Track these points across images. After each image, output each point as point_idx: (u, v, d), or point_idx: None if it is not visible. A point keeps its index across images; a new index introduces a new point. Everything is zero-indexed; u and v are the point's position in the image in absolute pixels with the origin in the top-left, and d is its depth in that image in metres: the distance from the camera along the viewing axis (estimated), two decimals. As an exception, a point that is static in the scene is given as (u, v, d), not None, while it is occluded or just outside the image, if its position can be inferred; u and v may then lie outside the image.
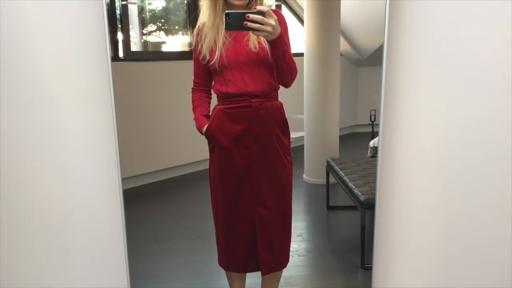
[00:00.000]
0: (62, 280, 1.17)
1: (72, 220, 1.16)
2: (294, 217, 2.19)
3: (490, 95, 1.06)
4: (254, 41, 1.84)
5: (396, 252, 1.21)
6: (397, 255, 1.21)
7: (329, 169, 3.77)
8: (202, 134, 2.00)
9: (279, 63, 1.82)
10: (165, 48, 5.27)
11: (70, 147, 1.13)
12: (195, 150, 4.84)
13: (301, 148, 4.75)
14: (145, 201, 4.23)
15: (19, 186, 1.10)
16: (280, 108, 1.98)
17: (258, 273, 2.08)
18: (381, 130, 1.25)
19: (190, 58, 2.09)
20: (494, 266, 1.14)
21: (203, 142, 2.05)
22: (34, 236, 1.13)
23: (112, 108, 1.20)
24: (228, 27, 1.65)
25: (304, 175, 4.67)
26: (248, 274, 2.18)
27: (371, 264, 1.36)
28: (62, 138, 1.12)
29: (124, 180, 4.93)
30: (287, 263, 2.08)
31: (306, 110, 4.56)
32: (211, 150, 2.00)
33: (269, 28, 1.64)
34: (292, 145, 2.08)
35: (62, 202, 1.14)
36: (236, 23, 1.63)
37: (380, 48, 5.80)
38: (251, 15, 1.61)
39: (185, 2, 5.14)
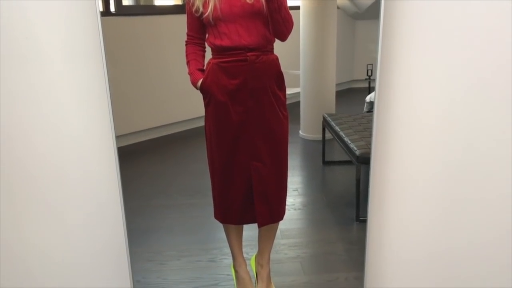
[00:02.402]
0: (59, 239, 1.18)
1: (66, 177, 1.16)
2: (290, 172, 2.21)
3: (490, 50, 1.05)
4: (249, -7, 1.79)
5: (390, 205, 1.23)
6: (391, 207, 1.23)
7: (325, 124, 3.78)
8: (197, 88, 1.98)
9: (275, 16, 1.78)
10: (157, 2, 5.13)
11: (61, 103, 1.12)
12: (190, 107, 4.82)
13: (297, 104, 4.74)
14: (142, 158, 4.25)
15: (9, 145, 1.09)
16: (276, 61, 1.95)
17: (255, 227, 2.12)
18: (377, 84, 1.24)
19: (183, 12, 2.04)
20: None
21: (199, 99, 2.03)
22: (26, 197, 1.13)
23: (103, 63, 1.18)
24: None
25: (300, 131, 4.68)
26: (245, 228, 2.23)
27: (365, 217, 1.38)
28: (52, 94, 1.10)
29: (120, 137, 4.93)
30: (283, 216, 2.12)
31: (302, 65, 4.51)
32: (206, 105, 1.99)
33: (264, -21, 1.59)
34: (288, 101, 2.07)
35: (54, 160, 1.13)
36: None
37: (378, 0, 5.67)
38: None
39: (177, -47, 4.96)
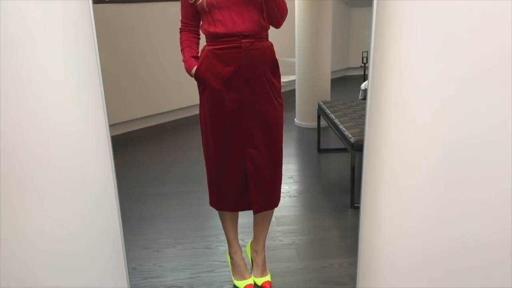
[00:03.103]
0: (53, 228, 1.18)
1: (60, 167, 1.15)
2: (285, 160, 2.22)
3: (486, 36, 1.04)
4: (243, -21, 1.78)
5: (383, 193, 1.24)
6: (384, 196, 1.24)
7: (320, 112, 3.78)
8: (191, 76, 1.97)
9: (269, 3, 1.78)
10: (151, -11, 5.07)
11: (53, 90, 1.11)
12: (185, 96, 4.80)
13: (292, 92, 4.73)
14: (137, 146, 4.25)
15: (1, 135, 1.08)
16: (270, 48, 1.95)
17: (251, 214, 2.13)
18: (370, 71, 1.24)
19: (177, -1, 2.03)
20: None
21: (193, 87, 2.03)
22: (20, 186, 1.13)
23: (95, 51, 1.17)
24: None
25: (295, 119, 4.68)
26: (240, 215, 2.24)
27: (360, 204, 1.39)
28: (44, 82, 1.09)
29: (115, 126, 4.91)
30: (278, 203, 2.13)
31: (297, 52, 4.49)
32: (201, 93, 1.99)
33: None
34: (283, 89, 2.07)
35: (47, 149, 1.13)
36: None
37: (374, -13, 5.62)
38: None
39: None
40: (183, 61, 1.98)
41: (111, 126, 1.29)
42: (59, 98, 1.12)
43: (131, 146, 4.23)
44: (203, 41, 2.00)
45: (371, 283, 1.32)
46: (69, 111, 1.15)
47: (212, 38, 1.90)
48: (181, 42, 2.02)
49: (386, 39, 1.15)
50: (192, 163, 3.69)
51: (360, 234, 1.34)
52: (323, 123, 3.83)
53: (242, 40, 1.85)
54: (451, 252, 1.20)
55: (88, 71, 1.16)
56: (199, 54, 1.99)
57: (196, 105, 2.25)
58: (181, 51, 2.00)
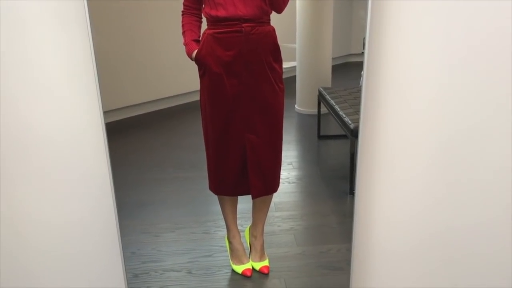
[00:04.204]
0: (48, 207, 1.17)
1: (52, 147, 1.14)
2: (285, 147, 2.21)
3: (485, 22, 1.02)
4: (245, -38, 1.75)
5: (379, 178, 1.23)
6: (380, 181, 1.23)
7: (321, 98, 3.76)
8: (192, 59, 1.96)
9: (271, -13, 1.76)
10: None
11: (44, 65, 1.09)
12: (185, 82, 4.78)
13: (293, 78, 4.71)
14: (136, 132, 4.24)
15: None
16: (272, 33, 1.93)
17: (250, 200, 2.14)
18: (366, 54, 1.22)
19: (178, -20, 2.00)
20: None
21: (193, 72, 2.01)
22: (14, 165, 1.12)
23: (88, 32, 1.14)
24: None
25: (296, 106, 4.66)
26: (239, 201, 2.24)
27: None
28: (34, 58, 1.07)
29: (115, 111, 4.89)
30: (277, 189, 2.13)
31: (299, 38, 4.46)
32: (201, 77, 1.97)
33: None
34: (284, 75, 2.06)
35: (39, 128, 1.12)
36: None
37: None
38: None
39: None
40: (184, 44, 1.97)
41: (110, 112, 1.28)
42: (51, 75, 1.10)
43: (131, 132, 4.22)
44: (204, 25, 1.98)
45: (366, 270, 1.32)
46: (61, 90, 1.12)
47: (213, 21, 1.88)
48: (182, 25, 2.00)
49: (382, 24, 1.13)
50: (191, 149, 3.69)
51: (355, 221, 1.34)
52: (324, 109, 3.81)
53: (243, 25, 1.83)
54: (447, 241, 1.19)
55: (80, 49, 1.13)
56: (200, 38, 1.97)
57: (196, 91, 2.24)
58: (182, 34, 1.99)
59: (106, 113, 1.28)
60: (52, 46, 1.10)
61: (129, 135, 4.13)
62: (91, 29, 1.16)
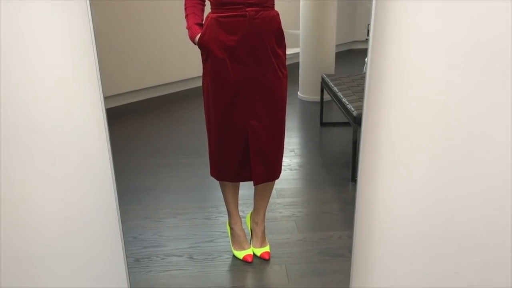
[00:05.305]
0: (48, 194, 1.17)
1: (52, 134, 1.13)
2: (287, 133, 2.20)
3: (492, 13, 1.00)
4: None
5: (382, 167, 1.22)
6: (383, 170, 1.22)
7: (324, 85, 3.74)
8: (194, 43, 1.94)
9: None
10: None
11: (44, 52, 1.08)
12: (187, 67, 4.75)
13: (296, 65, 4.68)
14: (138, 118, 4.23)
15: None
16: (276, 18, 1.90)
17: (252, 186, 2.13)
18: (370, 43, 1.20)
19: (181, -36, 1.97)
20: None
21: (196, 58, 1.99)
22: (13, 150, 1.11)
23: (88, 17, 1.13)
24: None
25: (298, 92, 4.64)
26: (241, 187, 2.24)
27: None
28: (32, 43, 1.06)
29: (117, 96, 4.88)
30: (279, 175, 2.13)
31: (302, 24, 4.41)
32: (204, 61, 1.95)
33: None
34: (287, 62, 2.04)
35: (38, 113, 1.11)
36: None
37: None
38: None
39: None
40: (187, 28, 1.95)
41: (113, 97, 1.26)
42: (50, 56, 1.09)
43: (133, 118, 4.21)
44: (208, 9, 1.96)
45: (367, 258, 1.32)
46: (61, 72, 1.11)
47: (216, 5, 1.85)
48: (185, 8, 1.97)
49: (387, 11, 1.11)
50: (193, 135, 3.68)
51: (356, 209, 1.33)
52: (327, 97, 3.79)
53: (247, 9, 1.81)
54: (449, 229, 1.19)
55: (79, 29, 1.11)
56: (203, 22, 1.95)
57: (198, 77, 2.22)
58: (185, 17, 1.96)
59: (106, 98, 1.26)
60: (51, 28, 1.08)
61: (131, 120, 4.12)
62: (91, 11, 1.14)
